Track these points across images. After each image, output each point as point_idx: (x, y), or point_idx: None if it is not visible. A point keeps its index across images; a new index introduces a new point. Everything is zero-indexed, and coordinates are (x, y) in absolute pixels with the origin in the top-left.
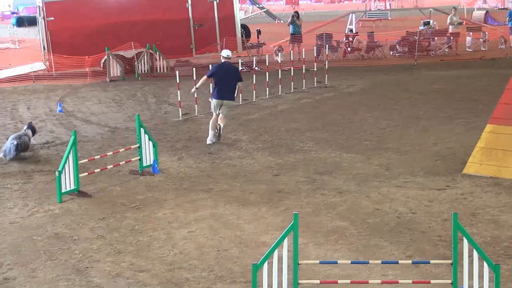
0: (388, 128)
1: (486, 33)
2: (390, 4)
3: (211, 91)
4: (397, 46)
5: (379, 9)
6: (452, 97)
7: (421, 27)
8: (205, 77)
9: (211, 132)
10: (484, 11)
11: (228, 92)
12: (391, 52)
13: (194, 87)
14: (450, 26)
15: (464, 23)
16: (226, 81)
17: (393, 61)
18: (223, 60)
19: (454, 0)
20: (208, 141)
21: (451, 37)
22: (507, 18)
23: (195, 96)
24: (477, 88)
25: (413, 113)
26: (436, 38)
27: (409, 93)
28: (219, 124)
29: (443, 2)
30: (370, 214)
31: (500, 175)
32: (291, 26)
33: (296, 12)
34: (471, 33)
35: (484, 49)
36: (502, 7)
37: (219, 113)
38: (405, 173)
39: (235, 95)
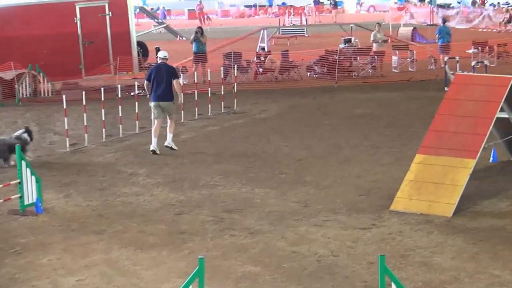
0: (306, 158)
1: (414, 52)
2: (306, 19)
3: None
4: (315, 67)
5: (294, 24)
6: (378, 123)
7: (342, 45)
8: (146, 82)
9: (154, 140)
10: (412, 28)
11: (165, 93)
12: (308, 73)
13: (148, 95)
14: (374, 44)
15: (389, 40)
16: (161, 82)
17: (311, 83)
18: (159, 61)
19: (378, 16)
20: (152, 147)
21: (375, 56)
22: (437, 35)
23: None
24: (406, 113)
25: (334, 141)
26: (358, 57)
27: (329, 118)
28: (169, 134)
29: (365, 18)
30: (286, 258)
31: (432, 211)
32: (194, 44)
33: (200, 28)
34: (397, 52)
35: (412, 69)
36: (431, 23)
37: (161, 119)
38: (326, 210)
39: (175, 96)
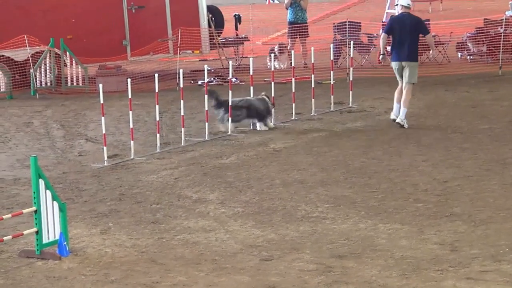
0: (455, 180)
1: None
2: None
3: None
4: (469, 44)
5: None
6: None
7: (510, 12)
8: (383, 34)
9: (395, 106)
10: None
11: (408, 50)
12: (460, 54)
13: (380, 53)
14: None
15: None
16: (405, 37)
17: (463, 69)
18: (400, 11)
19: None
20: (392, 116)
21: None
22: None
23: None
24: None
25: (496, 155)
26: None
27: (489, 122)
28: (403, 108)
29: None
30: None
31: None
32: (290, 10)
33: None
34: None
35: None
36: None
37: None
38: (484, 256)
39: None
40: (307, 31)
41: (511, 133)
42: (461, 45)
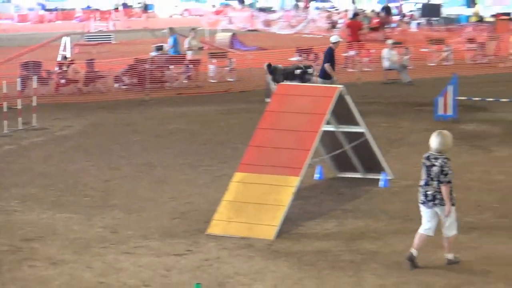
0: (114, 180)
1: (233, 60)
2: (114, 24)
3: None
4: (123, 77)
5: (100, 30)
6: (195, 139)
7: (153, 53)
8: None
9: None
10: (230, 33)
11: None
12: (116, 85)
13: None
14: (189, 52)
15: (205, 48)
16: None
17: (119, 96)
18: None
19: (193, 20)
20: None
21: (190, 65)
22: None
23: None
24: (225, 128)
25: (146, 160)
26: (172, 66)
27: (140, 135)
28: None
29: (179, 22)
30: None
31: (253, 234)
32: None
33: None
34: (214, 60)
35: (231, 79)
36: (252, 29)
37: None
38: (136, 236)
39: None
40: None
41: (157, 144)
42: (118, 78)
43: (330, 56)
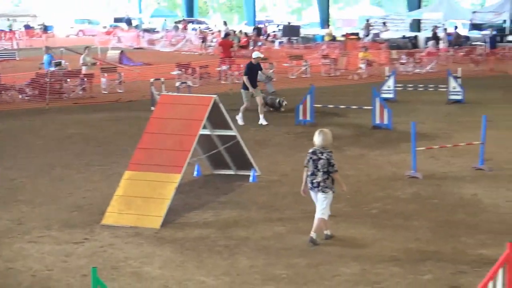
0: (19, 178)
1: (122, 74)
2: (17, 43)
3: None
4: (26, 89)
5: (5, 48)
6: (90, 142)
7: (52, 68)
8: None
9: None
10: (119, 51)
11: None
12: (20, 96)
13: None
14: (84, 67)
15: (98, 63)
16: None
17: (23, 105)
18: None
19: (87, 40)
20: None
21: (85, 79)
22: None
23: None
24: (116, 132)
25: (46, 161)
26: (69, 79)
27: (42, 139)
28: None
29: (75, 42)
30: (2, 274)
31: (141, 224)
32: None
33: None
34: (106, 74)
35: (120, 91)
36: (138, 47)
37: None
38: (40, 227)
39: None
40: None
41: (57, 147)
42: (21, 90)
43: (247, 69)
